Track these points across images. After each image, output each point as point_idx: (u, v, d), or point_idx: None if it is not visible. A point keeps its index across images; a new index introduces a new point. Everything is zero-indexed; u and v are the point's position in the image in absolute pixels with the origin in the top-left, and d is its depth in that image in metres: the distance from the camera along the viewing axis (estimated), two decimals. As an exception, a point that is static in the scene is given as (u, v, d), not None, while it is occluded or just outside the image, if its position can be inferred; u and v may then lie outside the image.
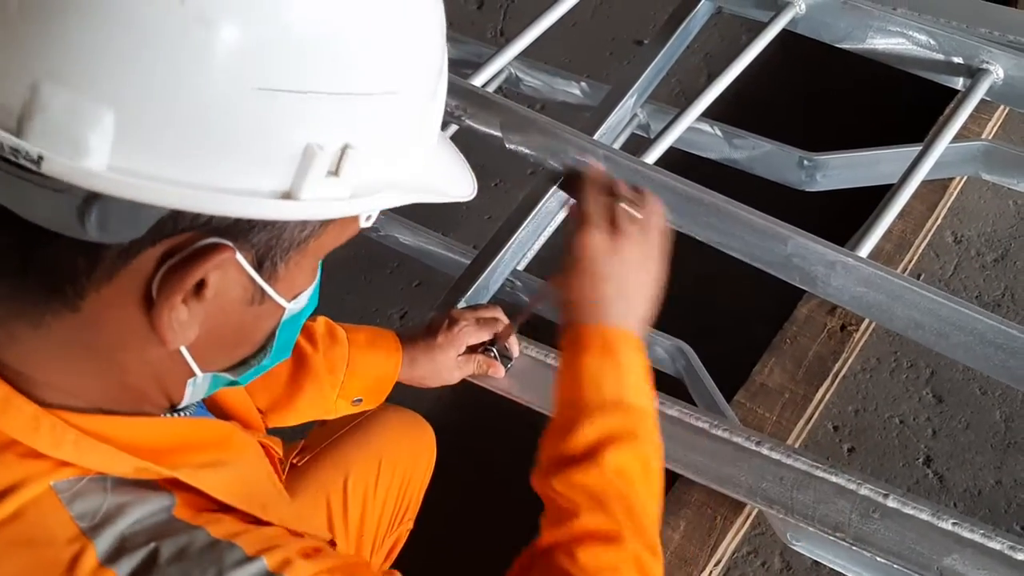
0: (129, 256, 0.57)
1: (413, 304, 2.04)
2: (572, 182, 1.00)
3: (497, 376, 1.22)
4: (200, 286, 0.59)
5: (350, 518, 1.18)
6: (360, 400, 1.16)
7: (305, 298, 0.69)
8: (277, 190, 0.57)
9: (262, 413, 1.09)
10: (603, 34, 2.62)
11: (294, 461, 1.19)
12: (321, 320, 1.13)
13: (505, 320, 1.23)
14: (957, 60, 1.39)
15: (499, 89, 2.22)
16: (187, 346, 0.63)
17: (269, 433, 1.11)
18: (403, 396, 1.24)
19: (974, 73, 1.37)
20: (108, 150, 0.52)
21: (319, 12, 0.55)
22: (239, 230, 0.58)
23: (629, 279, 0.91)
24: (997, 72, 1.36)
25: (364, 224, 0.65)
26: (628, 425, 0.86)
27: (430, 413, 1.40)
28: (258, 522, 0.66)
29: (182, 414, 0.72)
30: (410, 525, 1.31)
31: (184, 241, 0.57)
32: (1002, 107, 2.02)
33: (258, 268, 0.61)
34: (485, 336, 1.21)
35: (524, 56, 1.84)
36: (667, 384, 1.54)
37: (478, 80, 1.39)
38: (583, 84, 2.09)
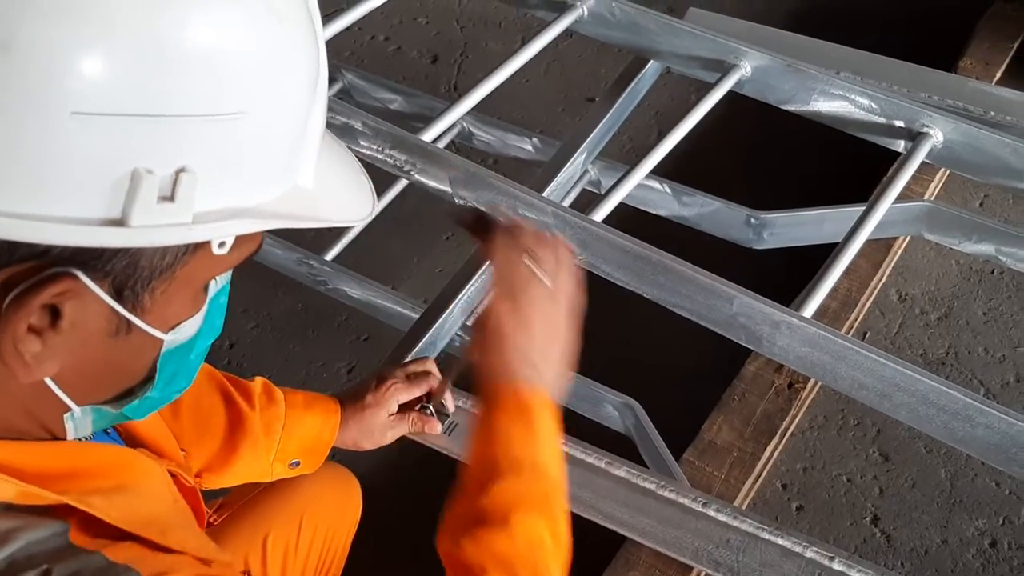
0: None
1: (361, 358, 2.01)
2: (477, 225, 0.98)
3: (434, 433, 1.20)
4: (56, 317, 0.57)
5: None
6: (298, 463, 1.13)
7: (191, 328, 0.67)
8: (106, 217, 0.55)
9: (198, 476, 1.06)
10: (556, 91, 2.65)
11: (211, 520, 1.15)
12: (259, 381, 1.11)
13: (438, 374, 1.21)
14: (898, 124, 1.42)
15: (452, 144, 2.23)
16: (53, 379, 0.61)
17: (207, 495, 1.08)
18: (347, 452, 1.21)
19: (915, 136, 1.41)
20: None
21: (139, 31, 0.53)
22: (87, 258, 0.57)
23: (535, 345, 0.89)
24: (937, 136, 1.39)
25: (217, 251, 0.62)
26: (541, 491, 0.84)
27: (374, 469, 1.38)
28: (165, 549, 0.65)
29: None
30: None
31: (26, 271, 0.56)
32: (944, 168, 2.06)
33: (117, 297, 0.60)
34: (417, 392, 1.18)
35: (477, 111, 1.85)
36: (616, 442, 1.54)
37: (429, 135, 1.39)
38: (535, 140, 2.11)
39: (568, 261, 0.95)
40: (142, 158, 0.55)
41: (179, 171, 0.56)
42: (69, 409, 0.65)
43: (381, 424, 1.15)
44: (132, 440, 0.82)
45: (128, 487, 0.67)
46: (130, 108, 0.53)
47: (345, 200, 0.72)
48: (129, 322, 0.61)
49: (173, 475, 0.78)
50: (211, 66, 0.56)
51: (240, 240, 0.63)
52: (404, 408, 1.18)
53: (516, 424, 0.86)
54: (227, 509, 1.19)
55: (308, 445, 1.12)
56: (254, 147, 0.61)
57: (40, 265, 0.56)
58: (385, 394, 1.15)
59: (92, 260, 0.57)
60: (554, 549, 0.83)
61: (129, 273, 0.59)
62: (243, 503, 1.20)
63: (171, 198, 0.56)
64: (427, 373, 1.20)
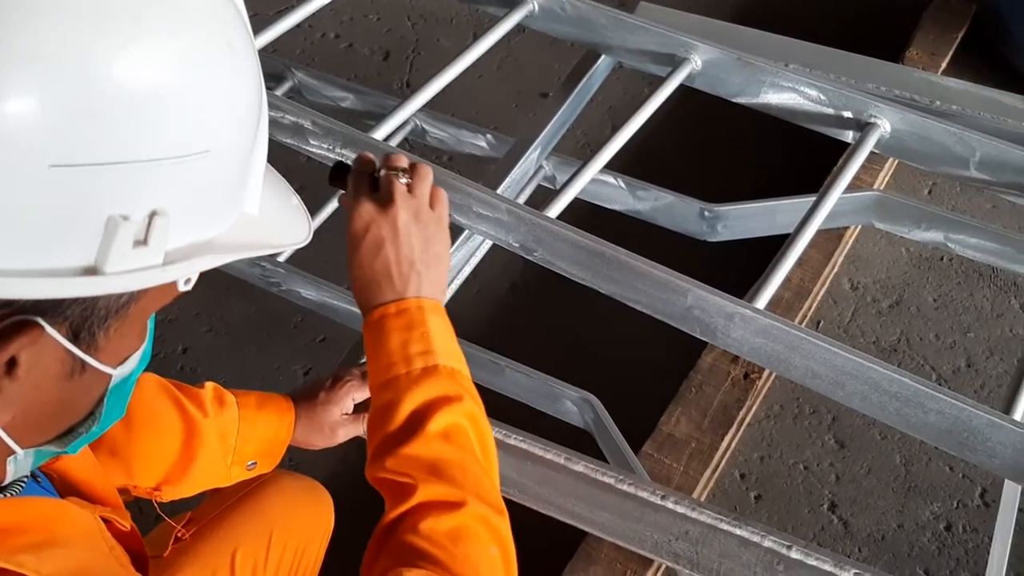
0: None
1: (318, 360, 1.99)
2: (338, 173, 1.00)
3: None
4: (12, 365, 0.56)
5: None
6: (255, 464, 1.11)
7: (135, 360, 0.66)
8: (80, 266, 0.54)
9: (156, 489, 1.04)
10: (509, 87, 2.64)
11: (179, 535, 1.13)
12: (209, 386, 1.09)
13: None
14: (847, 115, 1.43)
15: (405, 141, 2.21)
16: (2, 426, 0.60)
17: (164, 506, 1.06)
18: (307, 456, 1.20)
19: (863, 127, 1.42)
20: None
21: (114, 81, 0.52)
22: (48, 305, 0.55)
23: (407, 243, 0.90)
24: (884, 126, 1.41)
25: (183, 288, 0.62)
26: (447, 389, 0.85)
27: (336, 476, 1.37)
28: None
29: (6, 493, 0.68)
30: None
31: None
32: (892, 158, 2.09)
33: (74, 340, 0.59)
34: None
35: (430, 108, 1.84)
36: (575, 437, 1.54)
37: (380, 132, 1.38)
38: (489, 136, 2.10)
39: (427, 173, 0.96)
40: (119, 205, 0.54)
41: (152, 214, 0.56)
42: (12, 452, 0.63)
43: (333, 422, 1.14)
44: (65, 485, 0.80)
45: (58, 540, 0.65)
46: (110, 156, 0.53)
47: (286, 222, 0.72)
48: (84, 362, 0.60)
49: (107, 521, 0.75)
50: (179, 109, 0.56)
51: None
52: (360, 409, 1.17)
53: (408, 338, 0.86)
54: (196, 523, 1.17)
55: (264, 446, 1.10)
56: (215, 181, 0.61)
57: (1, 315, 0.54)
58: (340, 391, 1.14)
59: (53, 306, 0.56)
60: (475, 434, 0.84)
61: (87, 316, 0.58)
62: (212, 518, 1.17)
63: (145, 242, 0.56)
64: None
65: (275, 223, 0.70)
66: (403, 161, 0.96)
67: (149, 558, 0.81)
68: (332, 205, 2.00)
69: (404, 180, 0.94)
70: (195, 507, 1.20)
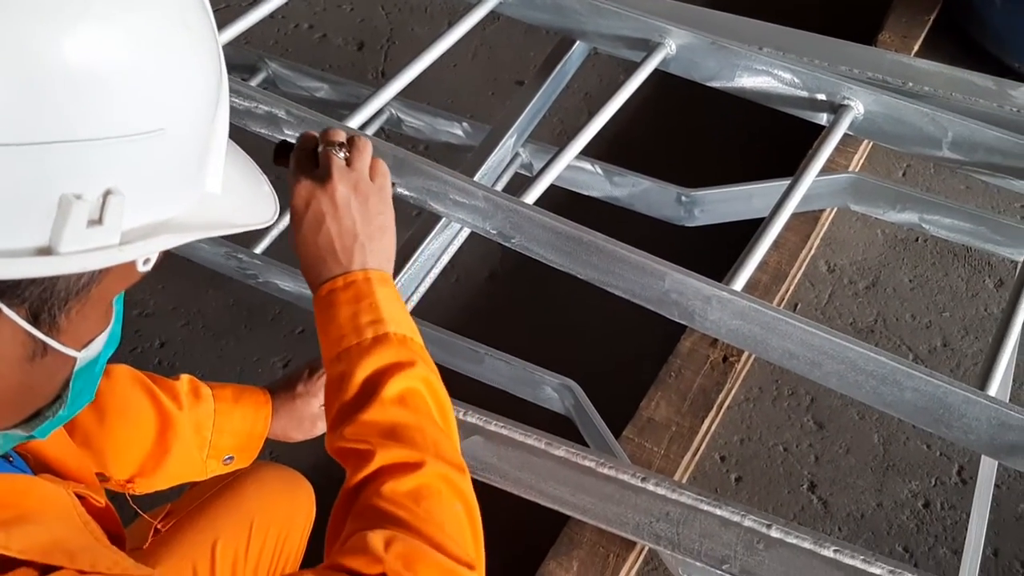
0: None
1: (297, 352, 1.99)
2: (282, 151, 1.00)
3: None
4: None
5: None
6: (232, 458, 1.11)
7: (100, 343, 0.66)
8: (33, 246, 0.54)
9: (130, 481, 1.04)
10: (484, 75, 2.63)
11: (158, 527, 1.13)
12: (185, 378, 1.08)
13: None
14: (820, 97, 1.44)
15: (381, 131, 2.21)
16: None
17: (144, 500, 1.05)
18: (288, 447, 1.19)
19: (836, 109, 1.43)
20: None
21: (61, 60, 0.52)
22: (5, 287, 0.55)
23: (348, 217, 0.90)
24: (858, 108, 1.41)
25: (142, 269, 0.61)
26: (398, 356, 0.85)
27: (317, 467, 1.36)
28: (55, 569, 0.62)
29: None
30: None
31: None
32: (866, 140, 2.11)
33: (34, 322, 0.58)
34: None
35: (405, 97, 1.83)
36: (556, 423, 1.54)
37: (355, 121, 1.37)
38: (465, 124, 2.10)
39: (366, 147, 0.95)
40: (71, 184, 0.54)
41: (106, 193, 0.55)
42: None
43: (312, 414, 1.13)
44: (38, 464, 0.80)
45: (28, 516, 0.65)
46: (60, 134, 0.52)
47: (252, 201, 0.72)
48: (46, 345, 0.60)
49: (81, 497, 0.75)
50: (130, 86, 0.55)
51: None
52: None
53: (357, 309, 0.86)
54: (175, 516, 1.16)
55: (240, 440, 1.10)
56: (172, 160, 0.60)
57: None
58: (317, 383, 1.14)
59: (10, 287, 0.56)
60: (429, 392, 0.85)
61: (46, 297, 0.58)
62: (191, 510, 1.17)
63: (100, 221, 0.56)
64: None
65: (240, 203, 0.70)
66: (340, 136, 0.95)
67: (126, 542, 0.81)
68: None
69: (342, 155, 0.93)
70: (174, 500, 1.19)
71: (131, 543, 0.82)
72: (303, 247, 0.90)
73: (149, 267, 0.62)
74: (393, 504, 0.75)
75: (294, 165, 0.95)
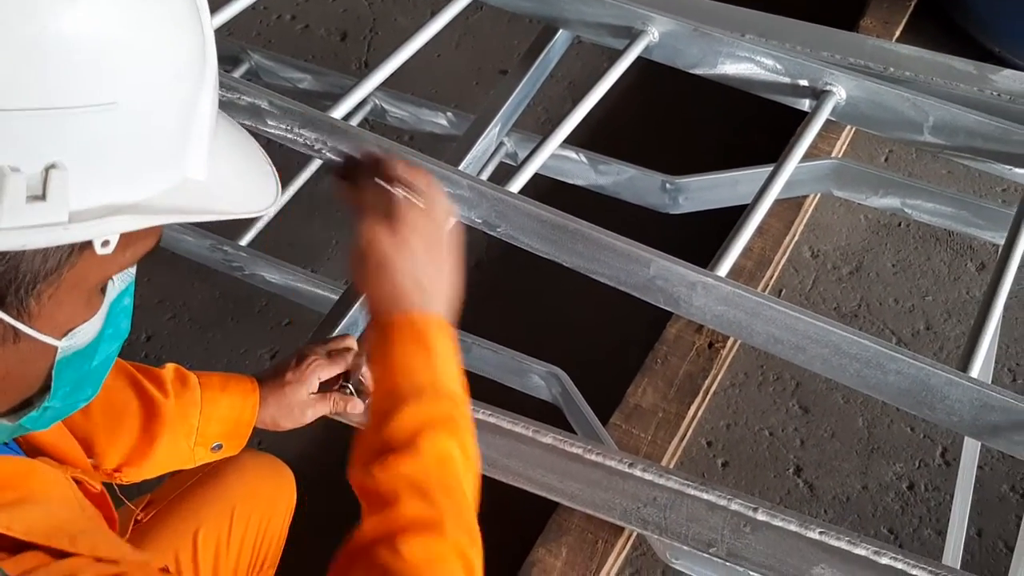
0: None
1: (284, 344, 1.98)
2: (348, 171, 0.98)
3: (356, 412, 1.19)
4: None
5: (201, 573, 1.12)
6: (220, 446, 1.11)
7: (89, 333, 0.65)
8: None
9: (117, 470, 1.04)
10: (468, 64, 2.63)
11: (139, 518, 1.13)
12: (171, 367, 1.08)
13: (357, 349, 1.19)
14: (802, 83, 1.44)
15: (365, 121, 2.20)
16: None
17: (125, 489, 1.05)
18: (276, 436, 1.19)
19: (819, 95, 1.43)
20: None
21: None
22: None
23: (420, 266, 0.89)
24: (840, 93, 1.42)
25: (100, 251, 0.59)
26: (445, 410, 0.85)
27: (304, 456, 1.36)
28: (66, 555, 0.63)
29: None
30: (270, 573, 1.25)
31: None
32: (849, 126, 2.12)
33: (0, 304, 0.57)
34: (338, 369, 1.17)
35: (389, 87, 1.83)
36: (544, 411, 1.55)
37: (338, 112, 1.37)
38: (449, 114, 2.10)
39: (437, 190, 0.94)
40: (4, 155, 0.52)
41: (49, 167, 0.53)
42: None
43: (301, 402, 1.13)
44: (32, 449, 0.80)
45: (30, 498, 0.65)
46: None
47: (242, 190, 0.69)
48: (16, 329, 0.59)
49: (78, 481, 0.75)
50: (71, 54, 0.53)
51: (131, 238, 0.60)
52: (325, 388, 1.17)
53: (413, 351, 0.86)
54: (156, 506, 1.16)
55: (228, 427, 1.10)
56: (131, 138, 0.58)
57: None
58: (306, 371, 1.13)
59: None
60: (464, 462, 0.84)
61: (10, 278, 0.56)
62: (172, 498, 1.17)
63: (42, 196, 0.54)
64: (348, 350, 1.19)
65: (228, 190, 0.67)
66: (419, 179, 0.92)
67: (115, 515, 0.81)
68: (294, 188, 1.99)
69: (418, 201, 0.92)
70: (154, 489, 1.19)
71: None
72: (366, 284, 0.89)
73: (109, 250, 0.59)
74: (406, 565, 0.75)
75: (366, 202, 0.91)
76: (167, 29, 0.59)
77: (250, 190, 0.70)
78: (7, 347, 0.60)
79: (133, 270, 0.67)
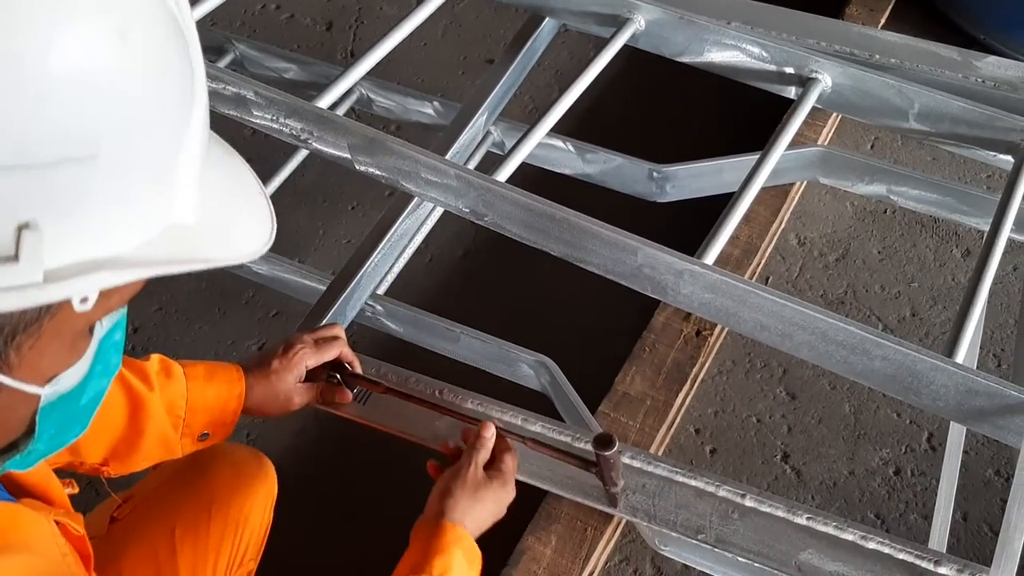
0: None
1: (271, 335, 1.98)
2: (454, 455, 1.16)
3: (344, 402, 1.19)
4: None
5: (180, 570, 1.12)
6: (207, 435, 1.11)
7: (74, 377, 0.62)
8: None
9: (103, 464, 1.03)
10: (454, 53, 2.62)
11: (115, 515, 1.12)
12: (155, 358, 1.08)
13: (344, 338, 1.20)
14: (788, 70, 1.45)
15: (352, 111, 2.19)
16: None
17: (112, 482, 1.05)
18: (264, 430, 1.19)
19: (805, 82, 1.43)
20: None
21: None
22: None
23: (479, 509, 1.06)
24: (826, 81, 1.42)
25: (79, 308, 0.55)
26: None
27: (292, 448, 1.36)
28: None
29: None
30: (252, 566, 1.24)
31: None
32: (835, 114, 2.12)
33: None
34: (325, 357, 1.17)
35: (376, 77, 1.82)
36: (532, 399, 1.55)
37: (324, 101, 1.36)
38: (436, 103, 2.09)
39: (513, 467, 1.14)
40: None
41: (21, 227, 0.50)
42: None
43: (287, 389, 1.13)
44: (16, 488, 0.78)
45: (14, 547, 0.64)
46: None
47: (234, 233, 0.65)
48: None
49: (60, 524, 0.74)
50: (44, 105, 0.49)
51: (114, 287, 0.56)
52: (312, 377, 1.17)
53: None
54: (133, 503, 1.16)
55: (214, 416, 1.09)
56: (111, 190, 0.54)
57: None
58: (293, 359, 1.13)
59: None
60: None
61: None
62: (147, 495, 1.16)
63: (15, 258, 0.50)
64: (335, 338, 1.19)
65: (219, 233, 0.63)
66: (487, 446, 1.13)
67: (91, 553, 0.80)
68: (279, 179, 1.98)
69: (504, 472, 1.12)
70: (132, 484, 1.19)
71: (90, 531, 0.81)
72: (447, 492, 1.06)
73: (87, 306, 0.55)
74: None
75: (477, 451, 1.11)
76: (152, 71, 0.55)
77: (241, 231, 0.66)
78: None
79: (124, 306, 0.64)
